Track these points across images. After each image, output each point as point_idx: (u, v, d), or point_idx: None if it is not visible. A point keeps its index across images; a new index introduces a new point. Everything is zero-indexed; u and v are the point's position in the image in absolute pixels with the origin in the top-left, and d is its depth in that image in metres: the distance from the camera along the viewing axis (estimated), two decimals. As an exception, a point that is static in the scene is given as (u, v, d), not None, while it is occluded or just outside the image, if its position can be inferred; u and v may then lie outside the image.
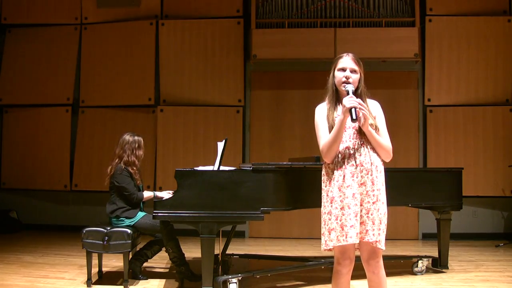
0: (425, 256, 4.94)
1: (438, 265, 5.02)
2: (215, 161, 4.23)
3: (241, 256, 5.14)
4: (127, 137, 4.67)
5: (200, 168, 4.24)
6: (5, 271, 4.84)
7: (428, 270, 4.92)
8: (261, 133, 7.55)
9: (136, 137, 4.69)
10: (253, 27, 7.29)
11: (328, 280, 4.61)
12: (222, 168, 4.09)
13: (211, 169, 4.12)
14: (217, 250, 4.15)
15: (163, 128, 7.52)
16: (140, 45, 7.65)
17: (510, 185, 7.06)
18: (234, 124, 7.47)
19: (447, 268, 5.01)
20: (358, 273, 3.49)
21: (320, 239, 2.84)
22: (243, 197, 3.81)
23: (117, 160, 4.62)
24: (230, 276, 4.04)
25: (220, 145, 4.24)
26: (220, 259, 4.45)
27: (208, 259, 3.77)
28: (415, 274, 4.82)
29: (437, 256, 5.05)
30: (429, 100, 7.28)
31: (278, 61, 7.38)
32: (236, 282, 4.00)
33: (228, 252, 4.93)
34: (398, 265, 5.05)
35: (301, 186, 4.08)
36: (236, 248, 5.82)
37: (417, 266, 4.86)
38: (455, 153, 7.19)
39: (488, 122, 7.19)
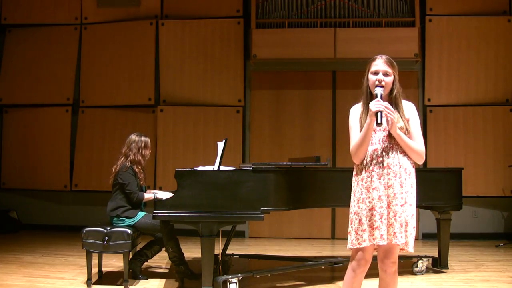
0: (425, 256, 4.93)
1: (438, 265, 5.02)
2: (215, 161, 4.23)
3: (241, 256, 5.14)
4: (134, 137, 4.73)
5: (200, 168, 4.25)
6: (5, 271, 4.84)
7: (428, 270, 4.92)
8: (261, 133, 7.54)
9: (143, 137, 4.74)
10: (253, 27, 7.29)
11: (328, 280, 4.64)
12: (222, 168, 4.09)
13: (211, 169, 4.12)
14: (217, 250, 4.15)
15: (163, 128, 7.51)
16: (140, 45, 7.65)
17: (510, 185, 7.06)
18: (234, 124, 7.47)
19: (447, 268, 5.01)
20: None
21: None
22: (243, 197, 3.81)
23: (122, 159, 4.64)
24: (230, 276, 4.03)
25: (220, 145, 4.24)
26: (220, 259, 4.45)
27: (208, 259, 3.77)
28: (415, 274, 4.82)
29: (437, 256, 5.05)
30: (429, 100, 7.28)
31: (278, 61, 7.38)
32: (236, 282, 4.00)
33: (228, 252, 4.93)
34: (398, 265, 5.02)
35: (301, 186, 4.07)
36: (236, 248, 5.82)
37: (417, 266, 4.85)
38: (455, 153, 7.18)
39: (488, 122, 7.18)
